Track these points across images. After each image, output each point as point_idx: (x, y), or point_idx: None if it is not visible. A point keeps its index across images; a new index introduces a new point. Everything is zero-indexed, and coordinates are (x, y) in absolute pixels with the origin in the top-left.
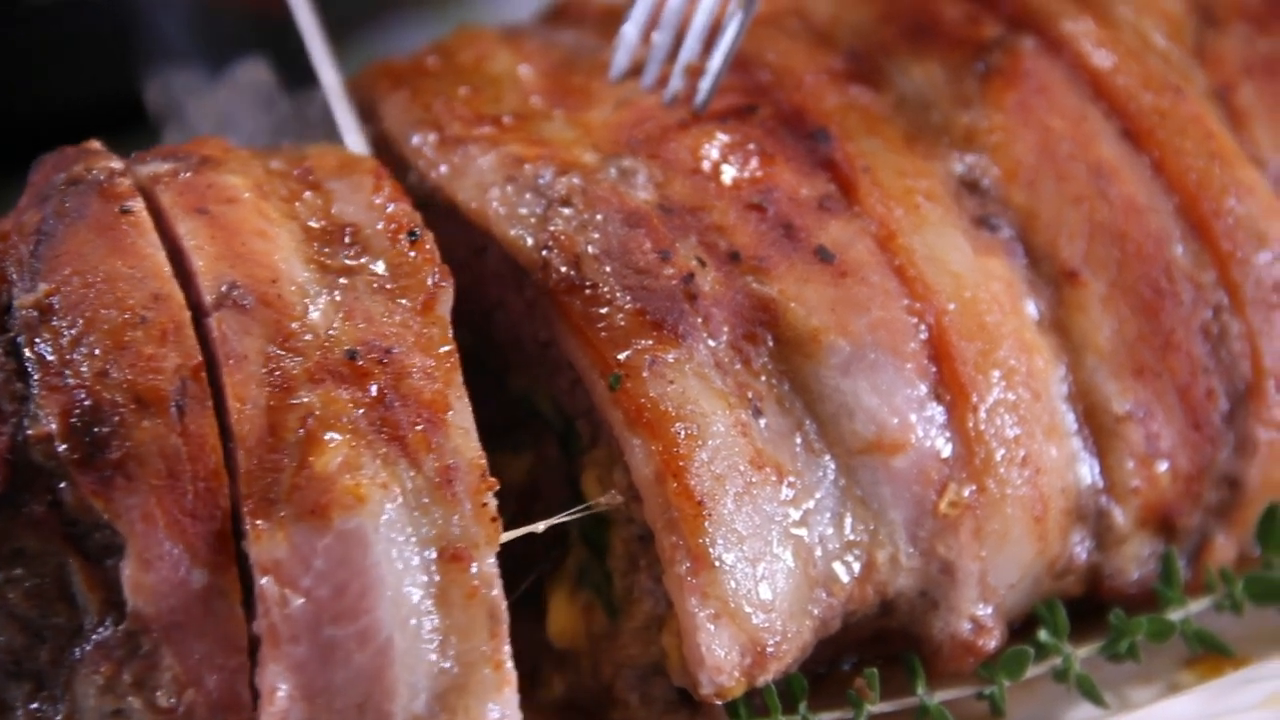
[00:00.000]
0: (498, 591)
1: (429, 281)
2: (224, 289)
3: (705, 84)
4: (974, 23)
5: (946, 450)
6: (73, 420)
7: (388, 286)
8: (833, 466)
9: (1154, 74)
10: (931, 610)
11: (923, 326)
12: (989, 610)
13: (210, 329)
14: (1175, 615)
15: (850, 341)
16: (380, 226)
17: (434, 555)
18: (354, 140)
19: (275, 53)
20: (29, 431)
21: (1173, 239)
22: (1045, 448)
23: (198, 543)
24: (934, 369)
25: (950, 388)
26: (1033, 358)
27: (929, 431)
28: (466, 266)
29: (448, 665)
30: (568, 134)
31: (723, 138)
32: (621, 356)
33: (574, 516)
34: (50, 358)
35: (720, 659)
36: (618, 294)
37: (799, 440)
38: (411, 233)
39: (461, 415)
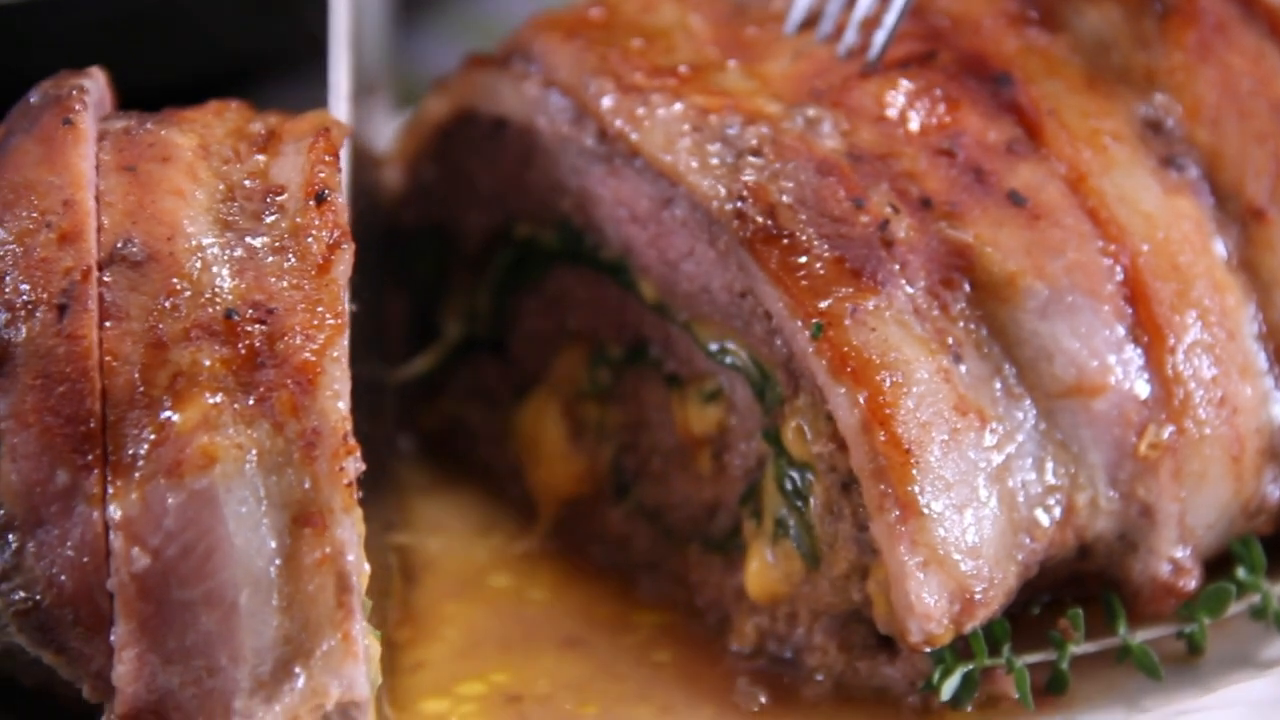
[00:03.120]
0: (352, 558)
1: (327, 243)
2: (119, 245)
3: (880, 37)
4: None
5: (1145, 392)
6: None
7: (288, 246)
8: (1033, 411)
9: None
10: (1130, 553)
11: (1118, 268)
12: (1187, 551)
13: (101, 283)
14: None
15: (1048, 284)
16: (298, 187)
17: (287, 519)
18: (340, 109)
19: None
20: None
21: None
22: (1241, 387)
23: (63, 444)
24: (1130, 310)
25: (1148, 329)
26: (1225, 297)
27: (1128, 373)
28: (650, 218)
29: (294, 631)
30: (747, 84)
31: (906, 84)
32: (822, 305)
33: None
34: None
35: (930, 606)
36: (815, 242)
37: (999, 385)
38: (320, 194)
39: (334, 378)
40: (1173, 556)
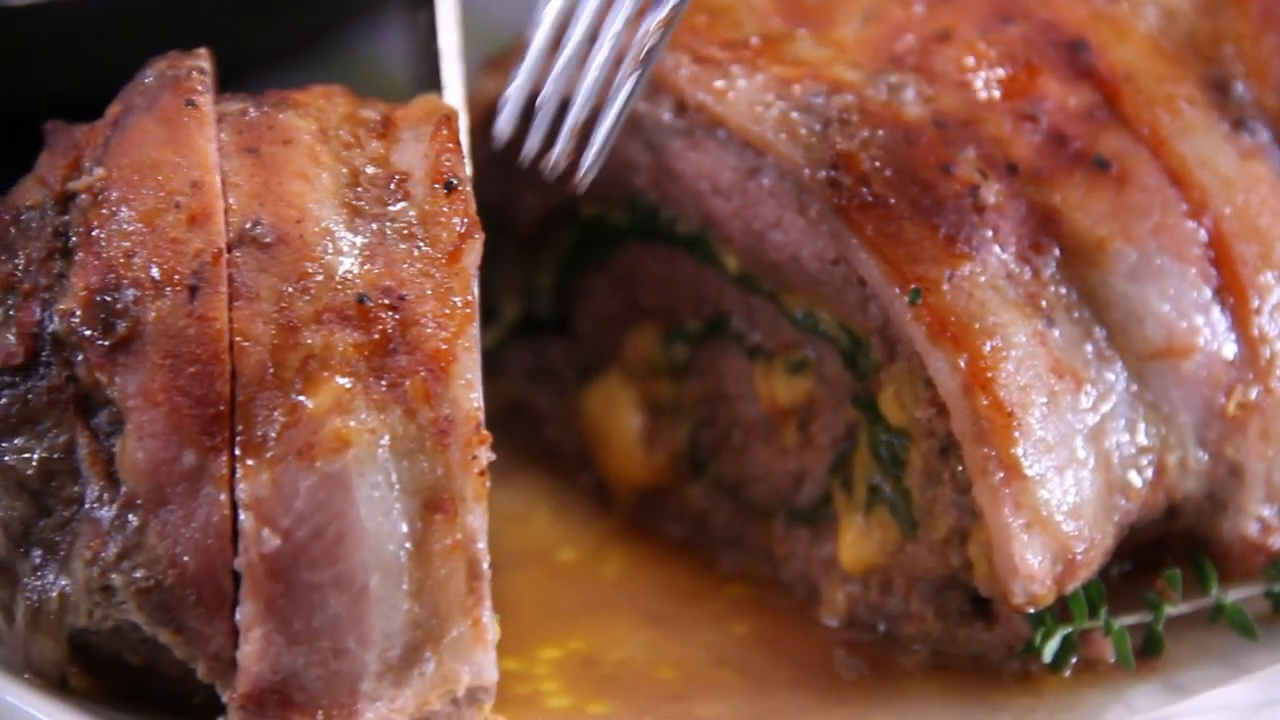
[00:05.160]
0: (481, 546)
1: (458, 232)
2: (248, 225)
3: (589, 157)
4: None
5: (1232, 353)
6: (94, 296)
7: (417, 234)
8: (1124, 373)
9: None
10: (1219, 512)
11: (1201, 231)
12: (1274, 509)
13: (229, 263)
14: None
15: (1136, 248)
16: (424, 174)
17: (418, 505)
18: (454, 95)
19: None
20: (58, 306)
21: None
22: None
23: (192, 424)
24: (1215, 272)
25: (1233, 290)
26: None
27: (1215, 334)
28: (735, 189)
29: (424, 617)
30: (822, 53)
31: (986, 50)
32: (920, 271)
33: None
34: (90, 238)
35: (1034, 568)
36: (909, 209)
37: (1090, 348)
38: (448, 182)
39: (466, 367)
40: (1260, 515)
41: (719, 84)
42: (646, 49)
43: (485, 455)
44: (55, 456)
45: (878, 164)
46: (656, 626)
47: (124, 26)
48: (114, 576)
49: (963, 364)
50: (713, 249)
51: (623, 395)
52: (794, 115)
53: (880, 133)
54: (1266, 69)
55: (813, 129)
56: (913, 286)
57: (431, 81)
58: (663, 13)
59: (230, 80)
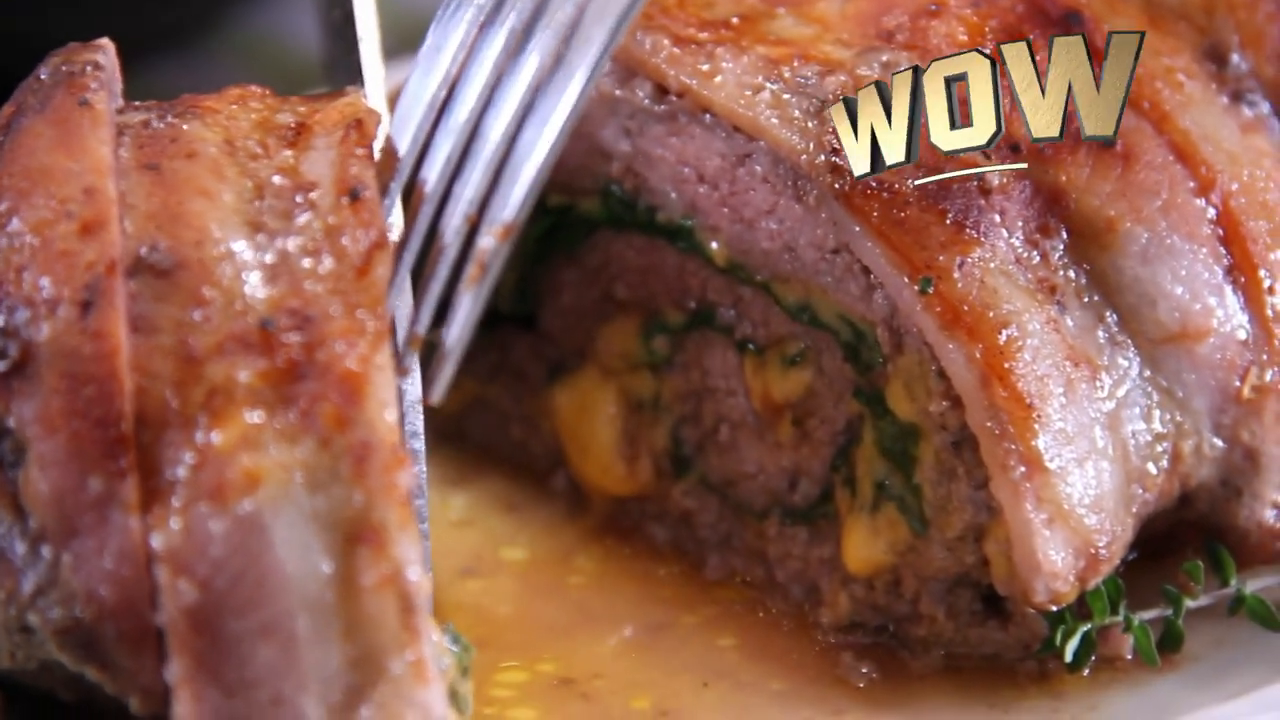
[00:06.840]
0: (412, 577)
1: (364, 245)
2: (144, 251)
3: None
4: None
5: (1245, 334)
6: None
7: (323, 248)
8: (1136, 358)
9: None
10: (1234, 498)
11: (1209, 209)
12: None
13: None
14: None
15: (1147, 228)
16: (330, 183)
17: (339, 540)
18: (376, 94)
19: None
20: None
21: None
22: None
23: (94, 449)
24: (1225, 251)
25: (1245, 270)
26: None
27: (1229, 316)
28: (722, 176)
29: (361, 658)
30: (805, 31)
31: (979, 23)
32: (929, 258)
33: None
34: None
35: (1057, 564)
36: (913, 193)
37: (1102, 333)
38: (353, 191)
39: (380, 387)
40: (1277, 500)
41: (704, 66)
42: (489, 258)
43: (406, 479)
44: None
45: None
46: (638, 639)
47: (22, 6)
48: (31, 616)
49: (978, 355)
50: (696, 238)
51: (599, 393)
52: (786, 97)
53: None
54: (1262, 37)
55: (807, 111)
56: (923, 275)
57: (343, 64)
58: (506, 216)
59: (133, 63)
